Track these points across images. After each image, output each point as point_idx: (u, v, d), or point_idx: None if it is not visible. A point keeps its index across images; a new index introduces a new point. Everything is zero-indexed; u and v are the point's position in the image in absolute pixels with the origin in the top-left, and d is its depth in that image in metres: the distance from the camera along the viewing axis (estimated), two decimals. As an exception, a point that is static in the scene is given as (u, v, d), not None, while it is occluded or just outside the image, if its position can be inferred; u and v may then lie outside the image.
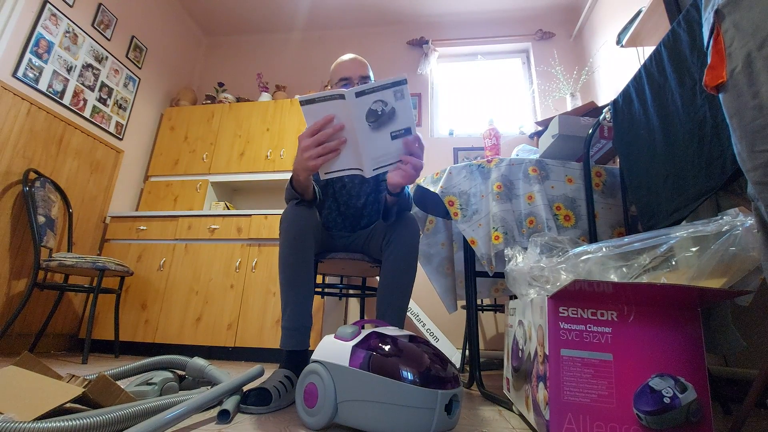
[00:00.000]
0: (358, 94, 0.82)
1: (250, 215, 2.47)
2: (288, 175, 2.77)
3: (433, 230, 1.83)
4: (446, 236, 1.83)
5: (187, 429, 0.73)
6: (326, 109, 0.85)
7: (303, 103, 0.85)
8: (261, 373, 1.01)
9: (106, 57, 2.72)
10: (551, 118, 1.67)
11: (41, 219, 2.08)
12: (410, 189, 1.36)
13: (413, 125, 0.91)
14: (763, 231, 0.55)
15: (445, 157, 3.03)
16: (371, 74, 1.31)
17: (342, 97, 0.82)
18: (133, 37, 2.96)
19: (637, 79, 1.15)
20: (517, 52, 3.44)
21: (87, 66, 2.57)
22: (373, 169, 0.93)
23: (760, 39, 0.51)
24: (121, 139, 2.84)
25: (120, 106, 2.83)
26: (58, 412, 0.65)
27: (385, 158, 0.92)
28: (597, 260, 0.75)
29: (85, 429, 0.59)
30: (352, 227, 1.42)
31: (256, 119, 3.04)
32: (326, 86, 3.20)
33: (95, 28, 2.63)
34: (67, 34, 2.43)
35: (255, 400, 0.90)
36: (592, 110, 1.71)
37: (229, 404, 0.82)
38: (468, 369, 2.05)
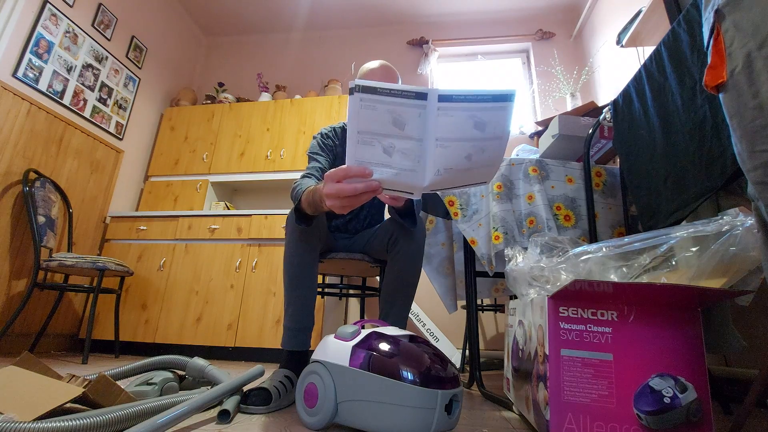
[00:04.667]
0: (443, 99, 0.58)
1: (250, 215, 2.47)
2: (288, 176, 2.80)
3: (433, 230, 1.83)
4: (446, 236, 1.83)
5: (187, 429, 0.73)
6: (389, 107, 0.58)
7: (359, 90, 0.57)
8: (261, 373, 1.01)
9: (106, 57, 2.72)
10: (551, 118, 1.67)
11: (41, 219, 2.08)
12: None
13: (500, 158, 0.65)
14: (763, 231, 0.55)
15: (445, 157, 3.03)
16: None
17: (421, 97, 0.58)
18: (133, 37, 2.96)
19: (637, 79, 1.15)
20: (517, 52, 3.44)
21: (87, 66, 2.57)
22: (423, 193, 0.70)
23: (760, 39, 0.51)
24: (121, 139, 2.84)
25: (120, 106, 2.83)
26: (58, 412, 0.65)
27: (445, 185, 0.67)
28: (597, 260, 0.75)
29: (85, 429, 0.59)
30: (354, 229, 1.42)
31: (256, 119, 3.04)
32: (325, 86, 3.20)
33: (95, 28, 2.63)
34: (67, 34, 2.43)
35: (255, 400, 0.90)
36: (592, 110, 1.71)
37: (229, 404, 0.82)
38: (468, 369, 2.05)
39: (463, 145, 0.61)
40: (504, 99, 0.59)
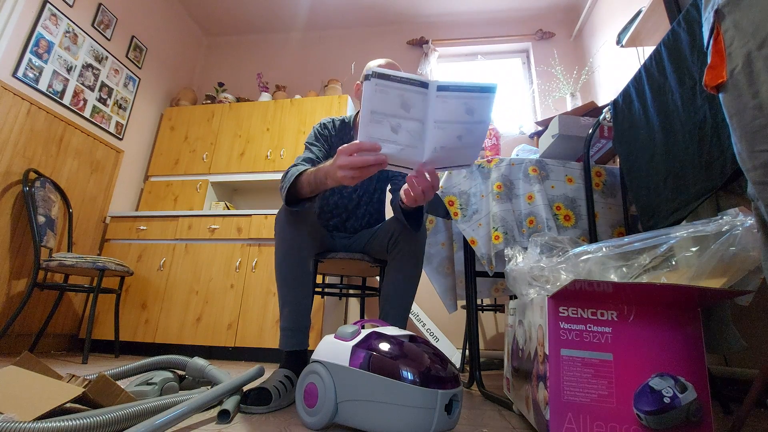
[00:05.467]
0: (441, 89, 0.71)
1: (250, 215, 2.47)
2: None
3: (433, 230, 1.83)
4: (446, 236, 1.83)
5: (187, 429, 0.73)
6: (398, 92, 0.70)
7: (374, 76, 0.69)
8: (261, 373, 1.01)
9: (106, 57, 2.72)
10: (551, 118, 1.67)
11: (41, 219, 2.08)
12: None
13: (482, 141, 0.78)
14: (763, 231, 0.55)
15: (445, 157, 3.03)
16: None
17: (424, 86, 0.71)
18: (133, 37, 2.96)
19: (637, 79, 1.15)
20: (517, 52, 3.44)
21: (87, 66, 2.57)
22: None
23: (760, 39, 0.51)
24: (121, 139, 2.84)
25: (120, 106, 2.83)
26: (58, 412, 0.65)
27: (439, 162, 0.80)
28: (597, 260, 0.75)
29: (85, 429, 0.59)
30: (353, 229, 1.42)
31: (256, 119, 3.04)
32: (325, 85, 3.21)
33: (95, 28, 2.63)
34: (67, 34, 2.43)
35: (255, 400, 0.90)
36: (592, 110, 1.71)
37: (229, 404, 0.82)
38: (468, 369, 2.05)
39: (456, 126, 0.74)
40: (488, 90, 0.73)
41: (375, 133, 0.73)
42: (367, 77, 0.69)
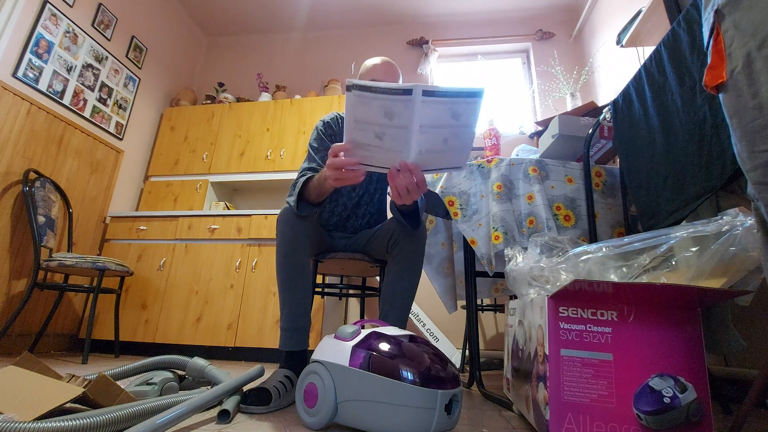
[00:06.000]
0: (427, 94, 0.70)
1: (250, 215, 2.47)
2: (288, 176, 2.80)
3: (433, 230, 1.83)
4: (446, 236, 1.83)
5: (187, 429, 0.73)
6: (380, 102, 0.70)
7: (355, 88, 0.69)
8: (261, 373, 1.01)
9: (106, 57, 2.72)
10: (551, 118, 1.67)
11: (41, 219, 2.08)
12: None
13: (470, 144, 0.78)
14: (763, 231, 0.55)
15: (445, 157, 3.02)
16: (401, 81, 1.29)
17: (407, 93, 0.69)
18: (133, 37, 2.96)
19: (637, 79, 1.15)
20: (517, 52, 3.44)
21: (87, 66, 2.57)
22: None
23: (760, 39, 0.51)
24: (121, 139, 2.84)
25: (120, 106, 2.83)
26: (58, 412, 0.65)
27: (427, 165, 0.81)
28: (597, 260, 0.75)
29: (85, 429, 0.59)
30: (353, 229, 1.42)
31: (256, 119, 3.04)
32: (325, 86, 3.20)
33: (95, 28, 2.63)
34: (67, 34, 2.43)
35: (255, 400, 0.90)
36: (592, 110, 1.71)
37: (229, 404, 0.82)
38: (468, 369, 2.05)
39: (442, 130, 0.75)
40: (475, 95, 0.72)
41: (359, 138, 0.75)
42: (348, 88, 0.69)
